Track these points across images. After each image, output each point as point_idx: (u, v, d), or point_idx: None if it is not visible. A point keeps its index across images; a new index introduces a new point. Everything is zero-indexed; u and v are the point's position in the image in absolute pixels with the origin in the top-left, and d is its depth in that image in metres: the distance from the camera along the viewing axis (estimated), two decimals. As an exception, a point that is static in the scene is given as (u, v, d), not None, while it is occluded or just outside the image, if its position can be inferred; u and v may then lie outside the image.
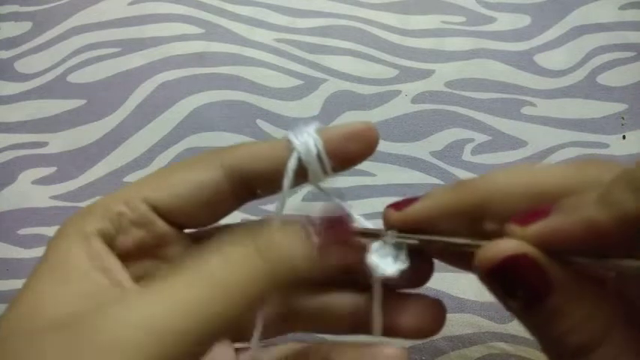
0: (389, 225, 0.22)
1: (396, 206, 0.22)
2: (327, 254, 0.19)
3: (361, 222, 0.23)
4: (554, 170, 0.20)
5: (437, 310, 0.24)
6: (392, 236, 0.22)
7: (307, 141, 0.22)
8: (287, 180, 0.21)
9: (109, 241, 0.20)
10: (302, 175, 0.22)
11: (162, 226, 0.21)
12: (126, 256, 0.21)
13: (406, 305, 0.23)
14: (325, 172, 0.22)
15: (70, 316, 0.17)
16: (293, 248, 0.19)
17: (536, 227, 0.18)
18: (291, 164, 0.21)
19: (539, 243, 0.18)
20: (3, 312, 0.18)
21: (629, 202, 0.16)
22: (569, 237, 0.17)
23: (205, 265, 0.18)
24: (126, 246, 0.21)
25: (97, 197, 0.47)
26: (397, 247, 0.22)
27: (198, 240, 0.24)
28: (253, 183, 0.22)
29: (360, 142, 0.22)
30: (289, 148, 0.22)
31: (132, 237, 0.21)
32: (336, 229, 0.20)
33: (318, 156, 0.22)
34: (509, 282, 0.18)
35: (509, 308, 0.19)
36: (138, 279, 0.21)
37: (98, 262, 0.19)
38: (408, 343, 0.41)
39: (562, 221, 0.17)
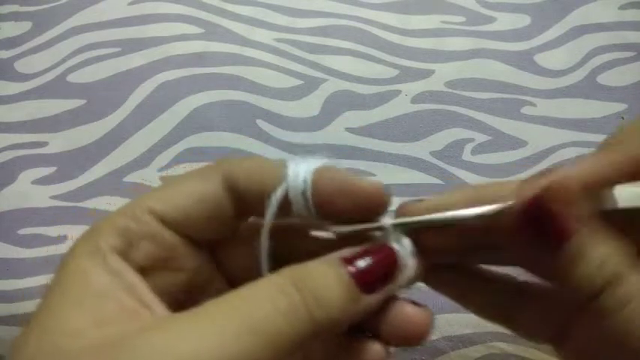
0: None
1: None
2: (372, 294, 0.19)
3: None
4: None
5: (420, 316, 0.21)
6: (391, 225, 0.20)
7: (298, 177, 0.20)
8: (270, 210, 0.21)
9: (123, 257, 0.20)
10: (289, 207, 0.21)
11: (170, 237, 0.21)
12: (140, 271, 0.20)
13: (388, 310, 0.21)
14: (310, 213, 0.21)
15: (106, 339, 0.17)
16: (335, 295, 0.18)
17: (582, 167, 0.18)
18: (278, 195, 0.21)
19: (585, 182, 0.18)
20: (20, 336, 0.18)
21: None
22: (614, 174, 0.17)
23: (243, 303, 0.17)
24: (138, 261, 0.20)
25: (97, 197, 0.48)
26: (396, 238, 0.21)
27: (219, 247, 0.23)
28: (249, 202, 0.22)
29: (354, 200, 0.20)
30: (282, 176, 0.21)
31: (143, 251, 0.20)
32: (381, 262, 0.20)
33: (304, 195, 0.20)
34: (542, 217, 0.18)
35: (536, 257, 0.19)
36: (155, 292, 0.20)
37: (119, 279, 0.19)
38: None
39: (607, 158, 0.18)
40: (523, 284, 0.22)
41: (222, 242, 0.23)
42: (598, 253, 0.18)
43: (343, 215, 0.21)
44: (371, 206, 0.21)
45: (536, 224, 0.18)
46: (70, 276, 0.19)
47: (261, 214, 0.22)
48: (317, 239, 0.22)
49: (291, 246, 0.23)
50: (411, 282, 0.21)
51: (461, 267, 0.23)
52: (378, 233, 0.21)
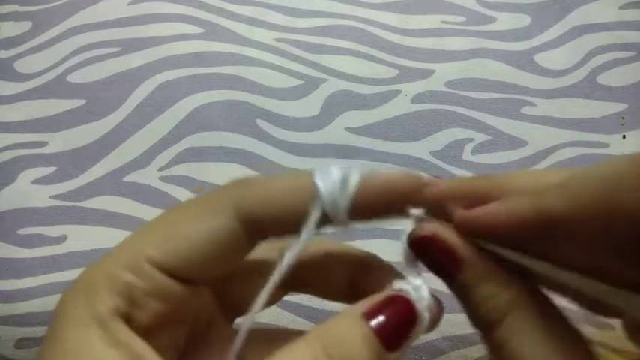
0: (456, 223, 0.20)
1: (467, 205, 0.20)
2: (396, 349, 0.19)
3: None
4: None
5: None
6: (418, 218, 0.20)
7: (334, 191, 0.19)
8: (306, 232, 0.19)
9: (127, 320, 0.18)
10: (321, 222, 0.20)
11: (175, 288, 0.19)
12: (145, 333, 0.18)
13: None
14: (345, 221, 0.20)
15: None
16: (365, 358, 0.18)
17: (471, 213, 0.19)
18: (314, 216, 0.19)
19: (471, 227, 0.19)
20: None
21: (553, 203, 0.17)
22: (498, 226, 0.18)
23: None
24: (143, 322, 0.18)
25: (97, 197, 0.48)
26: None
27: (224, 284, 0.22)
28: (270, 228, 0.20)
29: (399, 192, 0.20)
30: (313, 193, 0.19)
31: (149, 311, 0.18)
32: (401, 318, 0.19)
33: (345, 208, 0.19)
34: (428, 258, 0.20)
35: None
36: (161, 351, 0.18)
37: (126, 351, 0.17)
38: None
39: (496, 210, 0.18)
40: None
41: (224, 279, 0.22)
42: (479, 294, 0.20)
43: (377, 214, 0.21)
44: (407, 197, 0.20)
45: (427, 261, 0.20)
46: (70, 349, 0.17)
47: (282, 236, 0.20)
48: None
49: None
50: (426, 331, 0.21)
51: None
52: (397, 283, 0.20)
